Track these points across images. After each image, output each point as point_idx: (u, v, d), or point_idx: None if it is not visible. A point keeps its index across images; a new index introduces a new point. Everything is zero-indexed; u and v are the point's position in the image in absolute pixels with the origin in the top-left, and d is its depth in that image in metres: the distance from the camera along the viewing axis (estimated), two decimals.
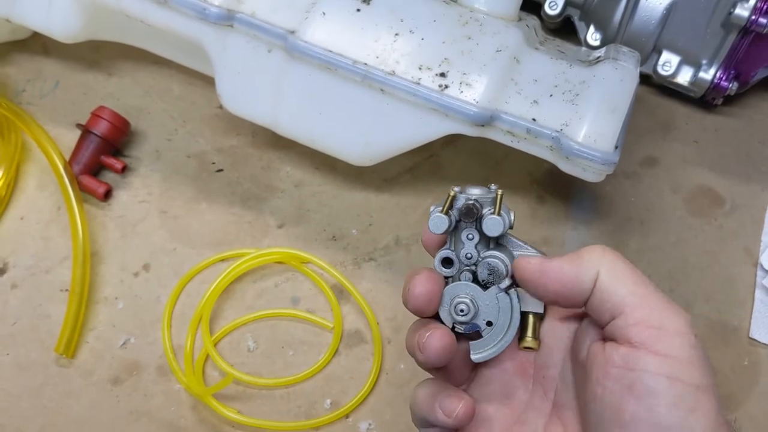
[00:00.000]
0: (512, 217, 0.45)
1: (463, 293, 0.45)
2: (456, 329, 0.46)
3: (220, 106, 0.77)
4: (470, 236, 0.45)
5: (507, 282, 0.44)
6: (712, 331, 0.67)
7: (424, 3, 0.65)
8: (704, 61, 0.75)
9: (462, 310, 0.45)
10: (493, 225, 0.43)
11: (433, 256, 0.46)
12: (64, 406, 0.61)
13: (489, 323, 0.46)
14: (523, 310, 0.46)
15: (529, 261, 0.42)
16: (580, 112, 0.59)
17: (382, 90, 0.62)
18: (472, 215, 0.43)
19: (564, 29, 0.81)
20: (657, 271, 0.70)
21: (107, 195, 0.71)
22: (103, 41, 0.76)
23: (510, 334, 0.45)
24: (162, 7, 0.64)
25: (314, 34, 0.62)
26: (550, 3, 0.78)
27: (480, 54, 0.62)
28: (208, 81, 0.76)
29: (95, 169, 0.72)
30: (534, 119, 0.60)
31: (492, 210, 0.44)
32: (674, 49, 0.75)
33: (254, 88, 0.66)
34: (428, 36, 0.63)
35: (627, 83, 0.61)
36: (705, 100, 0.78)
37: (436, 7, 0.64)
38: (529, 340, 0.46)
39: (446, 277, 0.46)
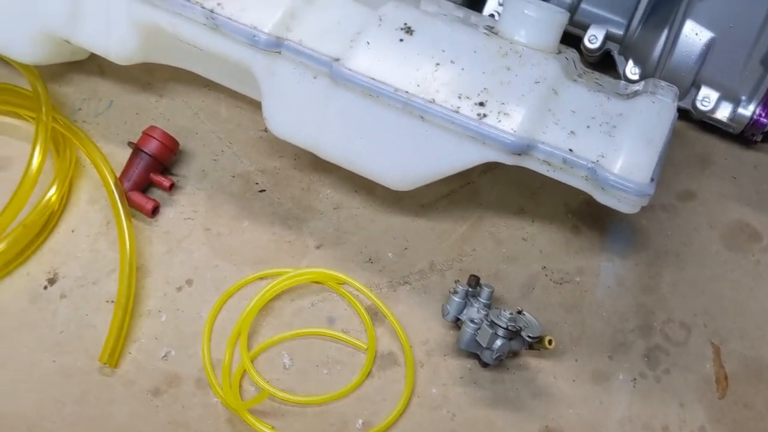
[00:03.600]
0: None
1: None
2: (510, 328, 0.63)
3: (265, 129, 0.79)
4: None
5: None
6: (746, 367, 0.67)
7: (465, 34, 0.66)
8: (743, 98, 0.75)
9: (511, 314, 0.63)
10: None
11: None
12: (105, 413, 0.64)
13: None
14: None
15: None
16: (616, 143, 0.60)
17: (422, 117, 0.63)
18: (475, 280, 0.67)
19: (603, 63, 0.82)
20: (692, 306, 0.70)
21: (155, 211, 0.74)
22: (156, 64, 0.79)
23: None
24: (214, 33, 0.67)
25: (358, 62, 0.65)
26: (589, 37, 0.79)
27: (519, 85, 0.63)
28: (254, 105, 0.79)
29: (144, 186, 0.75)
30: (571, 150, 0.61)
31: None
32: (713, 85, 0.76)
33: (299, 112, 0.68)
34: (468, 66, 0.64)
35: (664, 117, 0.62)
36: (744, 136, 0.78)
37: (476, 39, 0.66)
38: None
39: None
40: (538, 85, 0.63)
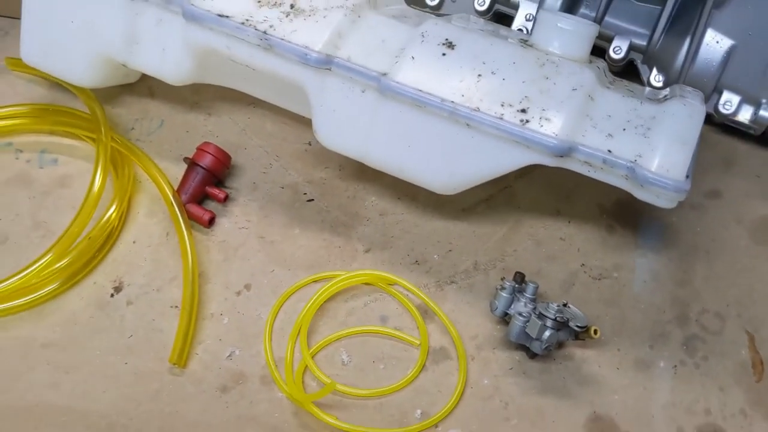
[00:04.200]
0: None
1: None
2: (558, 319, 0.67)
3: (309, 142, 0.84)
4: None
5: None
6: None
7: (503, 47, 0.71)
8: (764, 101, 0.79)
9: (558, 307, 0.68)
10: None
11: None
12: (179, 410, 0.67)
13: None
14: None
15: None
16: (652, 144, 0.65)
17: (467, 125, 0.68)
18: (520, 276, 0.71)
19: (626, 71, 0.87)
20: (724, 297, 0.74)
21: (211, 222, 0.78)
22: (203, 84, 0.84)
23: None
24: (267, 53, 0.72)
25: (405, 75, 0.69)
26: (614, 48, 0.84)
27: (557, 92, 0.68)
28: (298, 119, 0.83)
29: (200, 199, 0.79)
30: (610, 151, 0.65)
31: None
32: (735, 89, 0.80)
33: (348, 124, 0.73)
34: (509, 76, 0.69)
35: (695, 118, 0.66)
36: (765, 137, 0.83)
37: (515, 51, 0.71)
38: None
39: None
40: (576, 92, 0.68)
